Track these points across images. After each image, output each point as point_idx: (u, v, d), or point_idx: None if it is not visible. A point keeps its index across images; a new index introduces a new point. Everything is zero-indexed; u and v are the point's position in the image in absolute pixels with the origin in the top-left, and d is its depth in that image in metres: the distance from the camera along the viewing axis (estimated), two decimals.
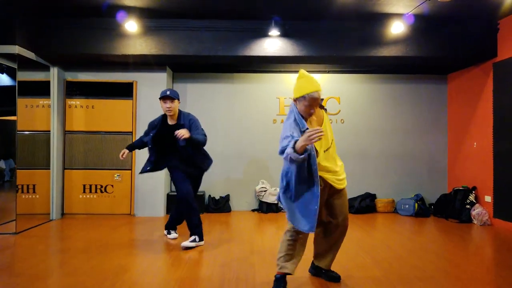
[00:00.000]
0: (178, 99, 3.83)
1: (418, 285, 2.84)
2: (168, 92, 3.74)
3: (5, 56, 4.72)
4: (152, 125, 3.96)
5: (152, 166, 3.88)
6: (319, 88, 2.55)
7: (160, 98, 3.78)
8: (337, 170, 2.74)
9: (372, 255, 3.62)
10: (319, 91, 2.55)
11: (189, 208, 3.76)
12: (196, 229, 3.81)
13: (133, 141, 4.17)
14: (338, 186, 2.72)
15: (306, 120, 2.58)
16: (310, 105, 2.52)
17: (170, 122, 3.85)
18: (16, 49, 4.45)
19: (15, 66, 4.67)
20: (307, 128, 2.43)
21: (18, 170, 4.69)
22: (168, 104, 3.74)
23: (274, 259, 2.83)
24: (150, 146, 3.86)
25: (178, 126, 3.73)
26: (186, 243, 3.74)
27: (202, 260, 3.47)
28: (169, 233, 4.21)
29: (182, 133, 3.45)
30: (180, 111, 3.88)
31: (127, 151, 3.95)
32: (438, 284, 2.88)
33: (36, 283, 2.88)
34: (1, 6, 4.39)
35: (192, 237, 3.79)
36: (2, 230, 4.51)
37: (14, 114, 5.69)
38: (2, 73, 5.30)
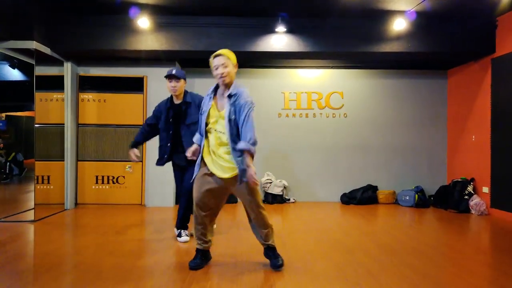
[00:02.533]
0: (185, 79, 3.74)
1: (418, 266, 3.05)
2: (173, 71, 3.64)
3: (21, 51, 4.92)
4: (159, 109, 3.82)
5: (168, 153, 3.74)
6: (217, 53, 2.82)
7: (165, 77, 3.68)
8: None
9: (374, 240, 3.83)
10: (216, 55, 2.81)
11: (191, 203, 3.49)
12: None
13: (137, 136, 3.91)
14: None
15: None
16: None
17: (176, 101, 3.75)
18: (33, 45, 4.64)
19: (29, 60, 4.87)
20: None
21: (36, 162, 4.88)
22: (173, 83, 3.64)
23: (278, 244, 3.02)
24: (169, 129, 3.71)
25: (184, 103, 3.70)
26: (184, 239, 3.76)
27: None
28: (179, 235, 3.82)
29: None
30: (186, 91, 3.78)
31: (135, 150, 3.78)
32: (436, 265, 3.09)
33: (56, 266, 3.09)
34: (19, 3, 4.58)
35: (187, 231, 3.84)
36: (21, 218, 4.72)
37: (26, 109, 5.91)
38: (14, 68, 5.51)
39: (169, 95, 3.84)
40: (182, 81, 3.71)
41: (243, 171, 2.67)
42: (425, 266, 3.04)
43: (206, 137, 2.87)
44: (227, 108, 2.75)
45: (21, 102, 5.72)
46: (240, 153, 2.68)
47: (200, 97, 3.68)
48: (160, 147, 3.82)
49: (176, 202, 5.77)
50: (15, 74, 5.51)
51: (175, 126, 3.72)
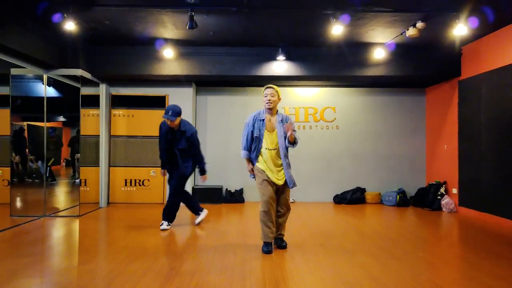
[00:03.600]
0: (179, 115, 4.58)
1: (388, 249, 4.03)
2: (170, 113, 4.47)
3: (67, 76, 5.96)
4: (164, 128, 4.70)
5: (167, 164, 4.81)
6: (269, 86, 3.74)
7: (163, 117, 4.54)
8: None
9: (357, 231, 4.82)
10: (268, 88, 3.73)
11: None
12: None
13: (162, 157, 4.81)
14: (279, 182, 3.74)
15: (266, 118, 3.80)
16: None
17: (174, 128, 4.70)
18: (79, 72, 5.69)
19: (71, 83, 5.91)
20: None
21: (81, 167, 5.92)
22: (169, 122, 4.55)
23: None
24: (168, 147, 4.72)
25: (180, 132, 4.65)
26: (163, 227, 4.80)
27: (226, 231, 4.68)
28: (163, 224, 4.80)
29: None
30: (181, 120, 4.68)
31: (164, 170, 4.87)
32: (404, 249, 4.06)
33: (107, 247, 4.11)
34: (67, 38, 5.63)
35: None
36: (68, 213, 5.74)
37: (50, 121, 6.78)
38: (49, 86, 6.55)
39: (186, 112, 5.04)
40: (177, 118, 4.58)
41: (290, 178, 3.75)
42: (394, 250, 3.99)
43: (260, 153, 3.77)
44: (279, 129, 3.72)
45: (54, 114, 6.69)
46: (288, 164, 3.76)
47: (191, 127, 4.78)
48: (160, 156, 4.84)
49: None
50: (49, 91, 6.54)
51: (171, 145, 4.72)
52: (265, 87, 3.77)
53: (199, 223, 5.05)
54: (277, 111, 3.82)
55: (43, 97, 5.73)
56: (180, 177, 4.77)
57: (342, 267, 3.32)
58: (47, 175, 6.67)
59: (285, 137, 3.71)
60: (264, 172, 3.73)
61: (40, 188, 5.90)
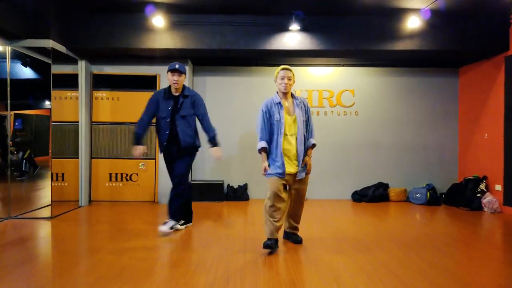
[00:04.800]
0: (185, 74, 3.99)
1: (435, 262, 3.07)
2: (177, 66, 3.89)
3: (36, 49, 4.94)
4: (156, 99, 4.01)
5: (166, 141, 3.96)
6: (286, 67, 3.39)
7: (168, 71, 3.92)
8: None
9: (389, 237, 3.86)
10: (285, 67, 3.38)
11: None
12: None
13: (136, 132, 4.01)
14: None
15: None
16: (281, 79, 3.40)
17: (175, 93, 4.01)
18: (50, 43, 4.68)
19: (43, 59, 4.91)
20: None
21: (53, 159, 4.93)
22: (176, 77, 3.89)
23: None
24: (166, 117, 3.93)
25: (183, 96, 3.97)
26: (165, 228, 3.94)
27: (229, 234, 3.72)
28: (170, 225, 4.00)
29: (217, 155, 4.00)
30: (184, 85, 4.05)
31: (140, 147, 3.97)
32: (453, 260, 3.11)
33: (78, 261, 3.14)
34: (35, 1, 4.61)
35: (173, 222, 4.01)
36: (38, 215, 4.77)
37: (36, 107, 5.94)
38: (26, 66, 5.54)
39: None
40: (183, 76, 3.97)
41: (305, 166, 3.50)
42: (442, 261, 3.07)
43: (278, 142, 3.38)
44: (298, 112, 3.41)
45: (32, 100, 5.75)
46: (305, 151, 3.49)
47: (195, 93, 4.07)
48: (159, 135, 4.03)
49: None
50: (27, 73, 5.55)
51: (172, 115, 3.96)
52: (280, 67, 3.42)
53: (167, 233, 3.91)
54: (292, 94, 3.53)
55: (5, 78, 4.71)
56: (188, 154, 4.00)
57: None
58: (23, 168, 5.74)
59: (306, 122, 3.50)
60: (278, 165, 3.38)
61: (5, 183, 4.90)
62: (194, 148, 4.08)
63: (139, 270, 2.87)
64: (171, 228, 3.94)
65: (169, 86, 4.04)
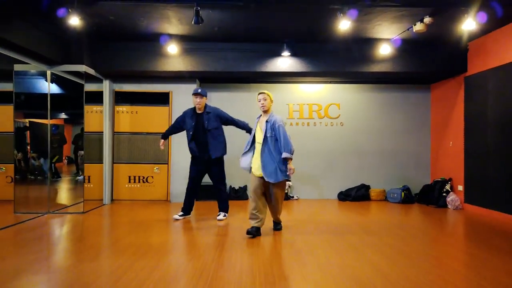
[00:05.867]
0: (206, 96, 5.08)
1: (397, 246, 4.00)
2: (199, 90, 5.00)
3: (70, 72, 5.91)
4: (185, 116, 5.16)
5: (195, 150, 5.09)
6: (261, 91, 4.26)
7: (193, 94, 5.02)
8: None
9: (368, 230, 4.78)
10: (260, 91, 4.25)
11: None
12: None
13: (164, 133, 5.36)
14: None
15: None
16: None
17: (198, 112, 5.10)
18: (83, 68, 5.65)
19: (74, 79, 5.87)
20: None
21: (85, 164, 5.89)
22: (198, 99, 4.99)
23: (284, 231, 3.98)
24: (190, 130, 5.06)
25: (206, 113, 5.04)
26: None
27: (233, 228, 4.65)
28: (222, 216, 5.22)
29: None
30: (206, 104, 5.11)
31: (162, 140, 5.23)
32: (412, 246, 4.03)
33: (107, 246, 4.08)
34: (70, 33, 5.59)
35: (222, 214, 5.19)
36: (72, 210, 5.71)
37: (53, 118, 6.80)
38: (52, 82, 6.50)
39: (190, 107, 5.22)
40: (204, 98, 5.06)
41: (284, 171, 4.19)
42: (403, 247, 3.96)
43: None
44: (264, 128, 4.20)
45: (57, 111, 6.64)
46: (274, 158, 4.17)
47: (216, 108, 5.17)
48: (190, 145, 5.13)
49: (197, 199, 6.73)
50: (53, 88, 6.49)
51: (196, 129, 5.06)
52: (258, 93, 4.31)
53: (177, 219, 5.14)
54: (271, 112, 4.34)
55: (46, 94, 5.68)
56: (218, 162, 5.14)
57: (351, 264, 3.29)
58: (53, 171, 6.65)
59: (274, 138, 4.20)
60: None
61: (43, 185, 5.86)
62: (225, 150, 5.26)
63: (160, 250, 3.80)
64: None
65: (194, 107, 5.12)
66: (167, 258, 3.45)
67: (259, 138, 4.23)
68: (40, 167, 6.44)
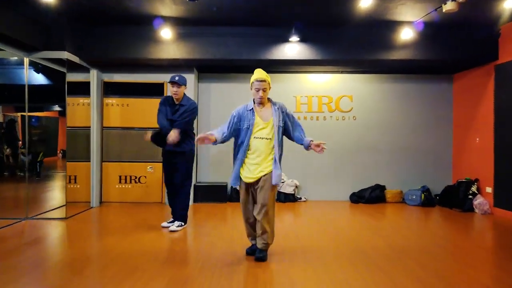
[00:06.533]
0: (185, 85, 4.33)
1: (426, 264, 3.35)
2: (176, 78, 4.22)
3: (52, 60, 5.26)
4: (165, 102, 4.40)
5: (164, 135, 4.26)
6: (260, 76, 3.24)
7: (169, 82, 4.29)
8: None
9: (384, 238, 4.14)
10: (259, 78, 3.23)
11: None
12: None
13: (159, 130, 4.39)
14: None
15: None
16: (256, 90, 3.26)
17: (176, 102, 4.36)
18: (65, 55, 5.00)
19: (56, 67, 5.22)
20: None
21: (68, 163, 5.26)
22: (175, 88, 4.24)
23: (285, 236, 3.34)
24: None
25: (180, 106, 4.30)
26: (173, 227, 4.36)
27: (232, 233, 4.02)
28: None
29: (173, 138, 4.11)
30: (184, 95, 4.37)
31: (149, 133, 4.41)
32: (443, 262, 3.39)
33: (91, 259, 3.45)
34: (51, 16, 4.93)
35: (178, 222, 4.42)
36: (53, 215, 5.09)
37: (45, 110, 6.27)
38: (38, 73, 5.86)
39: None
40: (182, 87, 4.31)
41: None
42: (432, 264, 3.34)
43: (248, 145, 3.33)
44: (276, 118, 3.31)
45: (41, 103, 6.05)
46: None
47: (191, 103, 4.35)
48: (162, 131, 4.32)
49: (194, 201, 6.10)
50: (39, 79, 5.87)
51: (171, 119, 4.29)
52: (254, 77, 3.30)
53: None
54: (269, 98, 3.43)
55: (24, 85, 5.03)
56: (187, 159, 4.35)
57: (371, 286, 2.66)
58: (38, 170, 6.05)
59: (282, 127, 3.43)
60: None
61: (23, 184, 5.21)
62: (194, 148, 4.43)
63: (152, 261, 3.18)
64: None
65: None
66: (158, 278, 2.82)
67: (264, 133, 3.30)
68: (24, 164, 5.86)
